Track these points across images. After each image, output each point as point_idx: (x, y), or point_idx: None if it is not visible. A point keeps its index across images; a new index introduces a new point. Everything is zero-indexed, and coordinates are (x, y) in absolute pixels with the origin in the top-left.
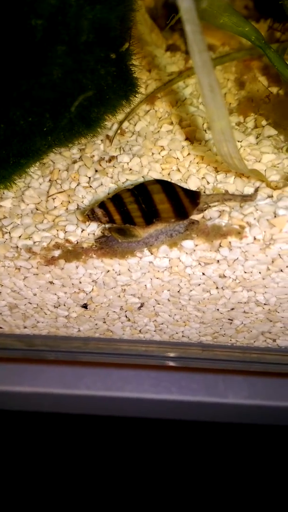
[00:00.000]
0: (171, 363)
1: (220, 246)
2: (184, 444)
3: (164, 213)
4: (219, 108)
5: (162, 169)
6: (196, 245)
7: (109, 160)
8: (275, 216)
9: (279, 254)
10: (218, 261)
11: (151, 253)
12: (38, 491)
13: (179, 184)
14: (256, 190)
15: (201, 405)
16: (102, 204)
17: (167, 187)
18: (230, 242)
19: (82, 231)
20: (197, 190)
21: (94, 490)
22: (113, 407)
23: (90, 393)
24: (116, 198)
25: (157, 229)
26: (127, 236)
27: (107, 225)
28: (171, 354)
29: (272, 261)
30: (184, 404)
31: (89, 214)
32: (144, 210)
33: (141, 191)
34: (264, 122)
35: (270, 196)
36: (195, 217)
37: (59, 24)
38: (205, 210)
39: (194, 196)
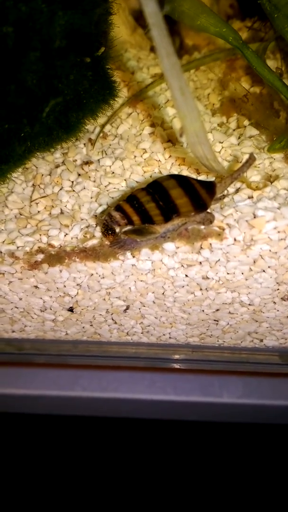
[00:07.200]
0: (163, 365)
1: (201, 248)
2: (180, 444)
3: (183, 207)
4: (192, 111)
5: (144, 172)
6: (178, 247)
7: (87, 163)
8: (254, 217)
9: (260, 255)
10: (200, 262)
11: (133, 256)
12: (32, 493)
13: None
14: (249, 160)
15: (196, 405)
16: (118, 207)
17: (182, 181)
18: (210, 244)
19: (65, 235)
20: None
21: (89, 490)
22: (108, 408)
23: (85, 394)
24: (132, 198)
25: (174, 224)
26: (145, 234)
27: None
28: (162, 356)
29: (254, 262)
30: (180, 405)
31: (107, 219)
32: (162, 207)
33: (156, 189)
34: (246, 122)
35: (250, 197)
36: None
37: (30, 31)
38: (223, 199)
39: (210, 187)
